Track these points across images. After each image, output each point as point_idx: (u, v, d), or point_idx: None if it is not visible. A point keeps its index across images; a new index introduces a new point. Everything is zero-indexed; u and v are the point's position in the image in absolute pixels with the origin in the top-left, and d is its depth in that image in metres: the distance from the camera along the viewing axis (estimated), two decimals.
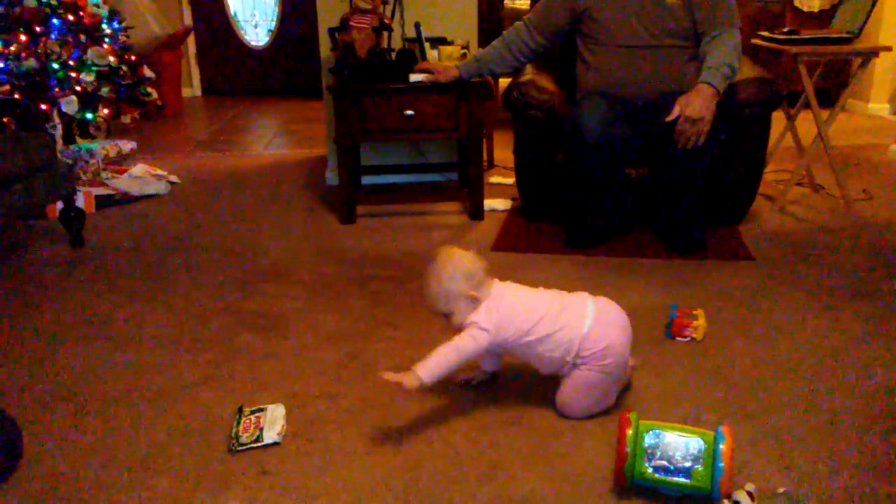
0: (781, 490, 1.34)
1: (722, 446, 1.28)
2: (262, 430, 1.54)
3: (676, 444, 1.32)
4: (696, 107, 2.32)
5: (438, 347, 1.55)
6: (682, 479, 1.30)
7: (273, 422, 1.57)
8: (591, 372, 1.57)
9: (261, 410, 1.60)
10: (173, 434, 1.58)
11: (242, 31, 6.52)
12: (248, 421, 1.57)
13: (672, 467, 1.30)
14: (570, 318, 1.57)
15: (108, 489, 1.42)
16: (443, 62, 2.80)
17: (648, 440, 1.32)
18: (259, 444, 1.52)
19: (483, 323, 1.56)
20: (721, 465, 1.27)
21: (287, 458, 1.50)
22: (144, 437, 1.58)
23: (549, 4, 2.66)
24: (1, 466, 1.43)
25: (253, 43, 6.55)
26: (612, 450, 1.41)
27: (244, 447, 1.52)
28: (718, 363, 1.84)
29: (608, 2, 2.55)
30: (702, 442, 1.31)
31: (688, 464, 1.30)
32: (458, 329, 1.60)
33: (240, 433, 1.54)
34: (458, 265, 1.59)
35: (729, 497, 1.28)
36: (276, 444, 1.53)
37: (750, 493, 1.29)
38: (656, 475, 1.31)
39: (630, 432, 1.33)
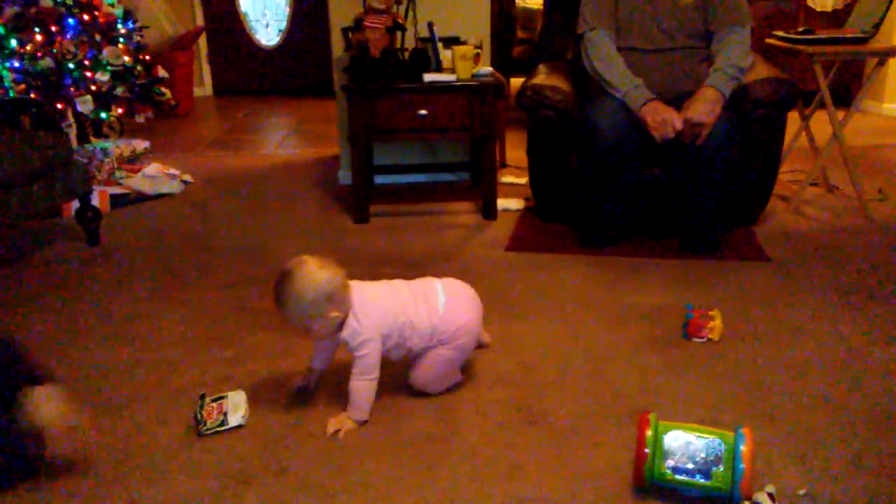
0: (802, 492, 1.33)
1: (743, 447, 1.28)
2: (225, 414, 1.59)
3: (696, 445, 1.31)
4: (697, 111, 2.35)
5: (350, 385, 1.59)
6: (701, 481, 1.30)
7: (236, 407, 1.61)
8: (448, 350, 1.66)
9: (222, 398, 1.64)
10: (192, 432, 1.59)
11: (254, 31, 6.53)
12: (209, 408, 1.60)
13: (692, 468, 1.30)
14: (427, 305, 1.64)
15: (128, 487, 1.43)
16: (457, 63, 2.80)
17: (668, 441, 1.32)
18: (224, 428, 1.58)
19: (364, 334, 1.58)
20: (742, 466, 1.27)
21: (306, 456, 1.51)
22: (164, 436, 1.58)
23: (597, 2, 2.57)
24: (25, 464, 1.44)
25: (264, 42, 6.56)
26: (631, 451, 1.40)
27: (211, 431, 1.57)
28: (736, 364, 1.83)
29: (628, 1, 2.55)
30: (722, 443, 1.30)
31: (708, 465, 1.29)
32: (322, 339, 1.65)
33: (204, 418, 1.58)
34: (318, 288, 1.53)
35: (749, 499, 1.27)
36: (239, 426, 1.58)
37: (770, 495, 1.28)
38: (676, 476, 1.31)
39: (649, 433, 1.32)
